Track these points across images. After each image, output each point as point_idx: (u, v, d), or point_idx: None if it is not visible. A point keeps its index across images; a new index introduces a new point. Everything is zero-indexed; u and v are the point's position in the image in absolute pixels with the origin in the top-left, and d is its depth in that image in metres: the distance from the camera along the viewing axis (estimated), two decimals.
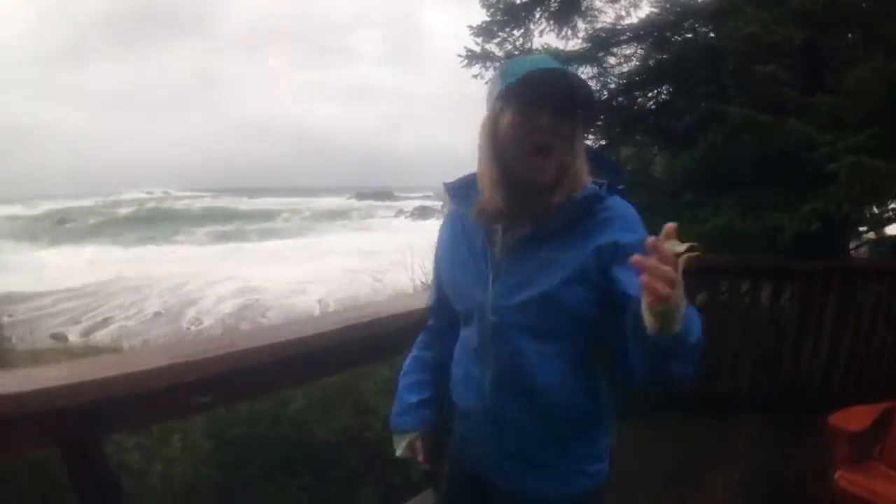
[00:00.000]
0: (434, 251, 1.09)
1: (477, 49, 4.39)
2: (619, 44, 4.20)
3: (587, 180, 0.90)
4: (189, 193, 47.34)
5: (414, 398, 1.07)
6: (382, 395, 2.21)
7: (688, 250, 0.62)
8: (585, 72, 5.00)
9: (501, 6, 4.23)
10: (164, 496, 2.09)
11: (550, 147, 0.86)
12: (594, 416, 0.95)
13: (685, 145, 3.56)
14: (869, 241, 4.65)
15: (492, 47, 4.41)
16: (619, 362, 0.82)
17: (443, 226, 1.07)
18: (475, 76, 4.60)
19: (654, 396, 2.10)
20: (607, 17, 4.32)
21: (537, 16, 4.28)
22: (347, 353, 1.20)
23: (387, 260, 14.71)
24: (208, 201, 43.39)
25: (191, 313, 14.10)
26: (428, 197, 42.19)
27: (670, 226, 0.62)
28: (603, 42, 4.21)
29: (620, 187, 0.92)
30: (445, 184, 1.01)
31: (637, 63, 4.29)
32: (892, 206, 3.87)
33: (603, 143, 4.18)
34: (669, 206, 2.93)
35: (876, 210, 3.91)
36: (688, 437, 2.58)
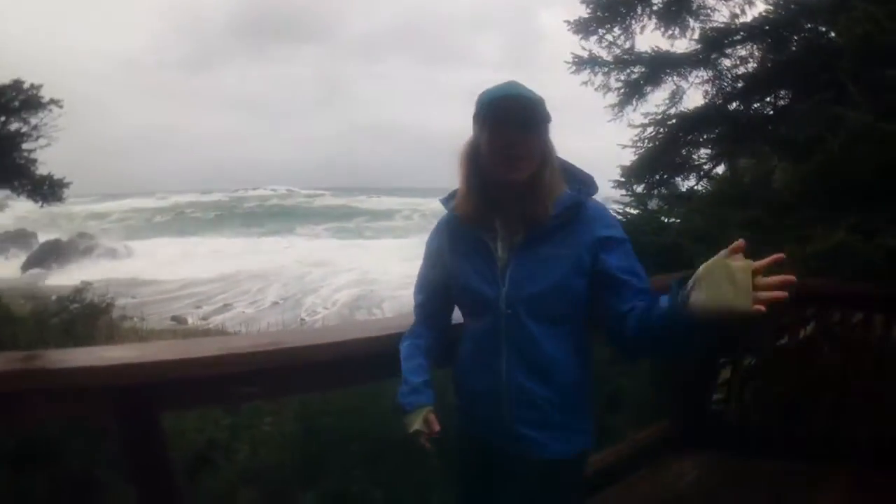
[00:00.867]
0: (426, 257, 1.25)
1: (584, 54, 4.24)
2: (733, 44, 3.83)
3: (563, 188, 1.11)
4: (311, 191, 50.04)
5: (420, 378, 1.20)
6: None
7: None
8: (699, 76, 4.62)
9: (602, 1, 4.06)
10: (246, 473, 2.23)
11: (520, 156, 1.07)
12: (589, 382, 1.18)
13: (805, 156, 3.14)
14: None
15: (600, 51, 4.22)
16: (609, 329, 1.09)
17: (432, 237, 1.25)
18: (584, 83, 4.43)
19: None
20: (720, 16, 3.97)
21: (639, 12, 4.04)
22: (390, 361, 1.26)
23: None
24: (329, 199, 45.07)
25: (309, 301, 15.13)
26: None
27: (741, 242, 0.83)
28: (716, 42, 3.88)
29: (592, 194, 1.14)
30: (441, 199, 1.23)
31: (755, 65, 3.89)
32: None
33: (713, 152, 3.85)
34: (775, 226, 2.57)
35: None
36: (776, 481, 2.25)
